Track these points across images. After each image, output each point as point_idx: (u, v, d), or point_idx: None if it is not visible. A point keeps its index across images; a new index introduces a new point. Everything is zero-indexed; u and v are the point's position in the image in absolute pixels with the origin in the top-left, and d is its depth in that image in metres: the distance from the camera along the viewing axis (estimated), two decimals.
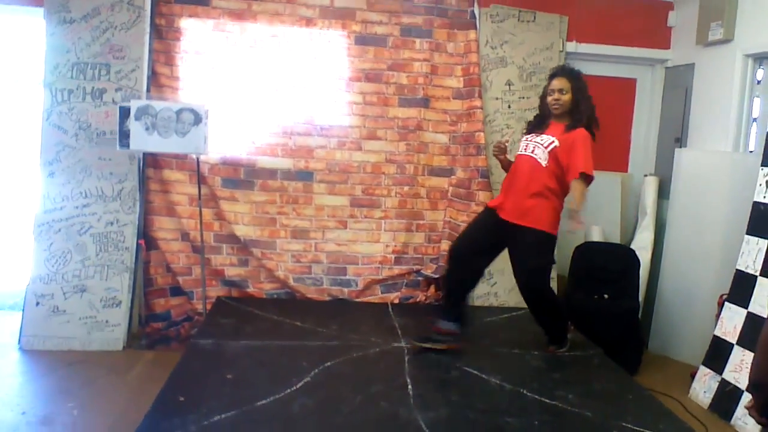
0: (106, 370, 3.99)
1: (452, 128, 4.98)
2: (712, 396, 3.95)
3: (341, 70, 4.86)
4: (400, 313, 4.54)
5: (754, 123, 4.66)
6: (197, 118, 4.24)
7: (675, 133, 5.22)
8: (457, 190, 4.96)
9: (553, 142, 3.63)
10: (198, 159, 4.47)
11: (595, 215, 5.29)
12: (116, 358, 4.21)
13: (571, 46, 5.17)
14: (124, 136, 4.24)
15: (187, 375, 3.34)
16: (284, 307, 4.52)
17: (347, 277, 4.85)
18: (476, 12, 4.94)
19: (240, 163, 4.75)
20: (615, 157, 5.50)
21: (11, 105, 7.55)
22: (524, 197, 3.65)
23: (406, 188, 4.92)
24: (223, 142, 4.70)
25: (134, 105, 4.21)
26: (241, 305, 4.50)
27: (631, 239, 5.23)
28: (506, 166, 3.91)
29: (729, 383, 3.84)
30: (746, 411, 1.91)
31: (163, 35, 4.65)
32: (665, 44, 5.34)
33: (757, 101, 4.65)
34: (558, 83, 3.74)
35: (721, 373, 3.93)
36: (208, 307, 4.50)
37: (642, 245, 5.05)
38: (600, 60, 5.34)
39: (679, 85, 5.23)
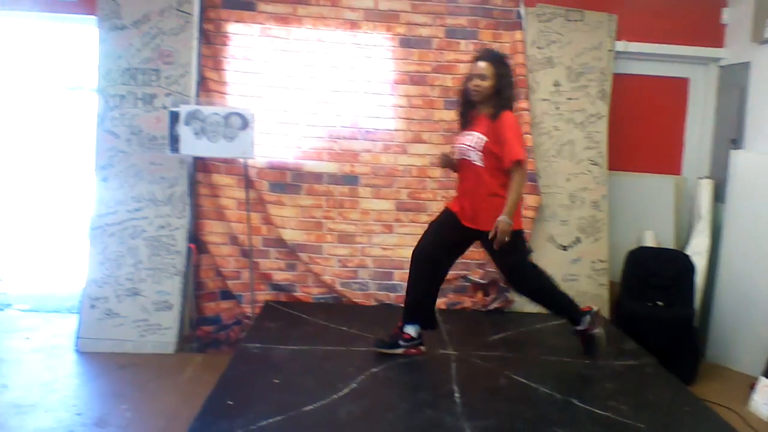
0: (157, 372, 4.07)
1: None
2: None
3: (386, 72, 4.85)
4: (447, 319, 4.49)
5: None
6: (244, 123, 4.28)
7: (730, 135, 5.04)
8: None
9: (481, 140, 3.49)
10: (245, 163, 4.51)
11: (648, 219, 5.18)
12: (168, 361, 4.28)
13: (621, 45, 5.05)
14: (174, 141, 4.32)
15: (236, 379, 3.37)
16: (331, 311, 4.54)
17: (393, 282, 4.83)
18: (522, 12, 4.87)
19: (287, 167, 4.78)
20: (668, 160, 5.35)
21: (68, 111, 7.78)
22: (476, 202, 3.55)
23: (452, 192, 4.84)
24: (270, 146, 4.74)
25: (184, 110, 4.28)
26: (289, 310, 4.52)
27: (686, 244, 5.09)
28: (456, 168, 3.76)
29: None
30: None
31: (211, 40, 4.71)
32: (719, 42, 5.18)
33: None
34: (479, 68, 3.52)
35: None
36: (257, 311, 4.54)
37: (697, 250, 4.90)
38: (651, 59, 5.21)
39: (734, 85, 5.06)
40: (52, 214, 7.62)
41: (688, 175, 5.35)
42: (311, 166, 4.80)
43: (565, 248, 4.90)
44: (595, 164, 4.93)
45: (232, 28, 4.74)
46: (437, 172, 4.85)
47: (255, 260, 4.66)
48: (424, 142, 4.87)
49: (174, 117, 4.31)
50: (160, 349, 4.42)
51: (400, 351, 3.74)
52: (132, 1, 4.56)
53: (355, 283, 4.81)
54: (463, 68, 4.80)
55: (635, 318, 4.40)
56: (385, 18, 4.82)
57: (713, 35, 5.19)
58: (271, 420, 2.88)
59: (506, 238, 3.38)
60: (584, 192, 4.92)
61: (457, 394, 3.27)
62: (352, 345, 3.90)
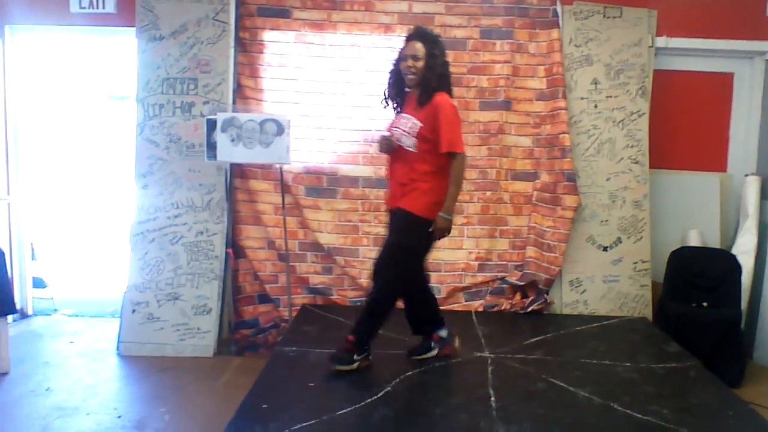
0: (196, 376, 4.13)
1: (536, 131, 4.85)
2: None
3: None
4: (484, 322, 4.45)
5: None
6: (280, 129, 4.32)
7: None
8: (542, 194, 4.83)
9: (415, 125, 3.33)
10: (281, 169, 4.55)
11: (692, 218, 5.03)
12: (207, 365, 4.34)
13: (662, 41, 4.92)
14: (212, 148, 4.39)
15: (271, 382, 3.40)
16: None
17: (430, 284, 4.79)
18: (559, 10, 4.80)
19: (322, 172, 4.80)
20: (712, 157, 5.19)
21: (113, 120, 7.99)
22: (404, 187, 3.40)
23: (488, 193, 4.83)
24: (306, 151, 4.78)
25: (220, 117, 4.34)
26: (325, 313, 4.54)
27: (732, 243, 4.93)
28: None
29: None
30: None
31: (247, 48, 4.77)
32: (764, 35, 4.99)
33: None
34: (411, 48, 3.35)
35: None
36: (294, 314, 4.56)
37: (744, 249, 4.74)
38: (693, 54, 5.06)
39: None
40: (96, 221, 7.83)
41: (734, 172, 5.18)
42: (347, 170, 4.81)
43: (605, 249, 4.81)
44: (636, 162, 4.82)
45: (267, 35, 4.79)
46: (473, 174, 4.81)
47: (292, 264, 4.69)
48: None
49: (211, 125, 4.38)
50: (200, 352, 4.49)
51: (434, 353, 3.72)
52: (170, 12, 4.65)
53: None
54: (499, 69, 4.80)
55: (679, 320, 4.28)
56: (419, 21, 4.78)
57: (758, 28, 5.02)
58: (304, 423, 2.89)
59: (446, 234, 3.33)
60: (625, 191, 4.82)
61: (492, 398, 3.24)
62: (387, 348, 3.87)
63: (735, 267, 4.47)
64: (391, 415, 3.03)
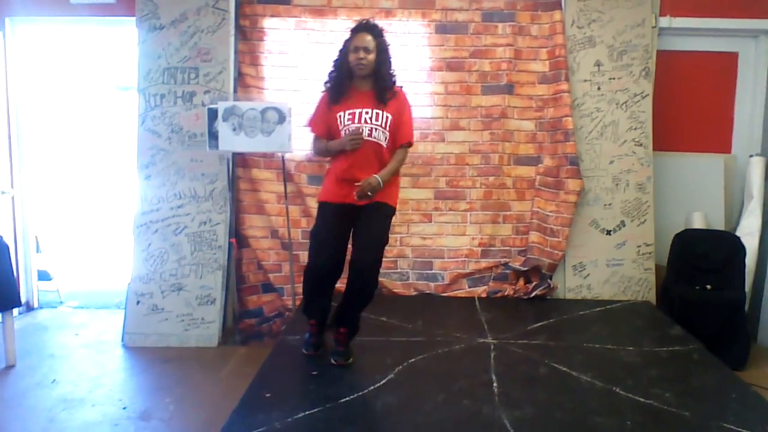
0: (201, 366, 4.15)
1: (538, 114, 4.82)
2: None
3: (422, 60, 4.80)
4: (488, 308, 4.45)
5: None
6: (281, 117, 4.31)
7: None
8: (545, 178, 4.81)
9: (388, 118, 3.34)
10: (283, 157, 4.54)
11: (696, 200, 5.01)
12: (211, 355, 4.36)
13: (665, 21, 4.87)
14: (213, 138, 4.38)
15: (275, 371, 3.42)
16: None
17: (433, 271, 4.81)
18: None
19: (324, 160, 4.78)
20: (717, 138, 5.15)
21: (117, 111, 8.00)
22: None
23: (491, 179, 4.81)
24: (308, 139, 4.74)
25: (221, 107, 4.33)
26: None
27: (737, 225, 4.90)
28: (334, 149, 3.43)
29: None
30: None
31: (248, 36, 4.75)
32: None
33: None
34: (362, 40, 3.31)
35: None
36: (298, 303, 4.57)
37: (748, 231, 4.72)
38: (697, 34, 5.00)
39: None
40: (100, 213, 7.87)
41: (738, 153, 5.14)
42: None
43: (609, 232, 4.79)
44: (639, 145, 4.78)
45: (267, 23, 4.77)
46: (475, 159, 4.80)
47: (295, 253, 4.69)
48: (462, 129, 4.81)
49: (212, 114, 4.37)
50: (204, 342, 4.51)
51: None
52: (169, 1, 4.63)
53: (395, 273, 4.80)
54: (501, 52, 4.76)
55: (683, 302, 4.28)
56: (420, 5, 4.77)
57: (762, 6, 4.95)
58: (308, 412, 2.91)
59: (369, 193, 3.28)
60: (628, 174, 4.79)
61: (495, 384, 3.25)
62: (391, 335, 3.90)
63: (739, 249, 4.45)
64: (394, 402, 3.04)
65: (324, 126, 3.46)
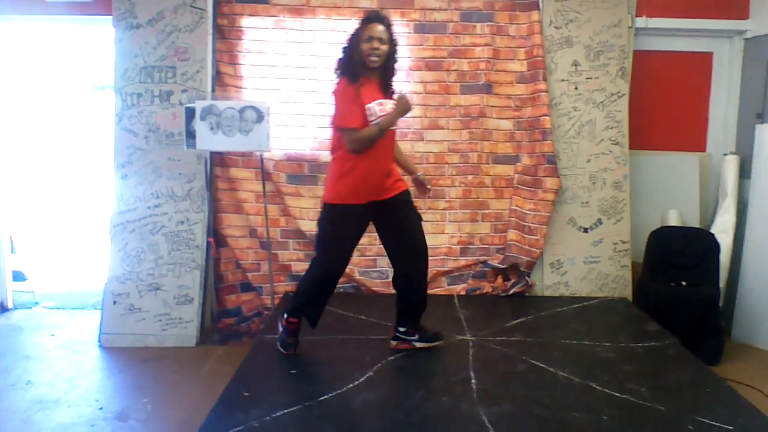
0: (179, 365, 4.12)
1: (517, 113, 4.85)
2: None
3: (401, 59, 4.78)
4: (467, 305, 4.47)
5: None
6: (259, 116, 4.29)
7: (756, 109, 4.90)
8: (524, 177, 4.84)
9: None
10: (261, 156, 4.53)
11: (672, 198, 5.08)
12: (189, 354, 4.34)
13: (641, 22, 4.93)
14: (191, 137, 4.35)
15: (253, 370, 3.40)
16: (349, 301, 4.53)
17: None
18: None
19: (304, 159, 4.78)
20: (692, 136, 5.23)
21: (93, 110, 7.92)
22: (391, 171, 3.45)
23: (470, 177, 4.83)
24: (286, 138, 4.75)
25: (199, 105, 4.30)
26: None
27: (711, 222, 4.98)
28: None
29: None
30: None
31: (226, 35, 4.73)
32: (743, 14, 5.02)
33: None
34: (376, 31, 3.21)
35: None
36: (276, 302, 4.56)
37: (722, 228, 4.79)
38: (673, 34, 5.08)
39: (759, 57, 4.91)
40: (76, 212, 7.78)
41: (713, 151, 5.22)
42: (328, 156, 4.76)
43: (586, 230, 4.83)
44: (616, 144, 4.83)
45: (245, 22, 4.75)
46: (454, 158, 4.82)
47: (274, 252, 4.68)
48: (441, 129, 4.82)
49: (190, 113, 4.34)
50: (182, 342, 4.48)
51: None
52: None
53: (374, 271, 4.81)
54: (479, 52, 4.79)
55: (658, 299, 4.32)
56: (398, 4, 4.78)
57: (737, 7, 5.04)
58: (286, 410, 2.90)
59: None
60: (605, 173, 4.83)
61: (473, 380, 3.26)
62: (370, 334, 3.90)
63: (714, 246, 4.51)
64: (373, 399, 3.05)
65: (361, 115, 3.23)
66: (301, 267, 4.77)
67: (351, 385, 3.17)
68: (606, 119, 4.84)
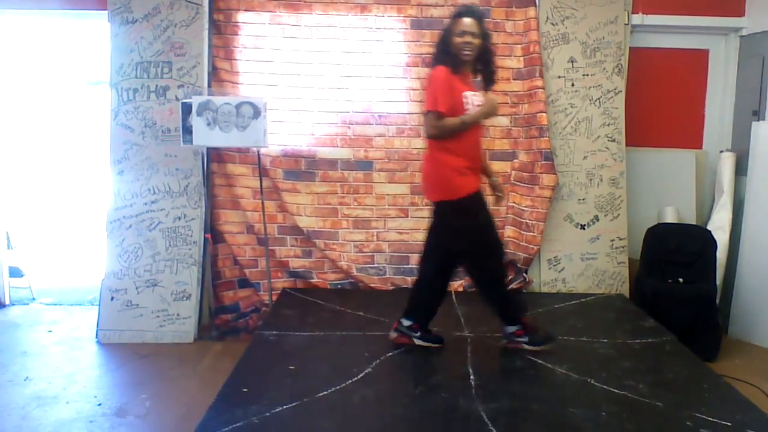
0: (177, 361, 4.12)
1: (513, 110, 4.85)
2: None
3: (397, 55, 4.80)
4: (464, 302, 4.47)
5: None
6: (256, 112, 4.28)
7: (752, 106, 4.93)
8: (520, 173, 4.85)
9: None
10: (258, 152, 4.52)
11: (668, 195, 5.09)
12: (187, 350, 4.33)
13: (637, 18, 4.94)
14: (188, 132, 4.34)
15: (252, 366, 3.41)
16: (347, 297, 4.54)
17: (410, 266, 4.81)
18: None
19: (300, 155, 4.78)
20: (688, 134, 5.25)
21: (89, 106, 7.90)
22: (482, 163, 3.59)
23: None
24: (283, 134, 4.75)
25: (195, 101, 4.29)
26: (306, 296, 4.54)
27: (708, 219, 5.00)
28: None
29: None
30: None
31: (222, 30, 4.72)
32: (739, 11, 5.03)
33: None
34: (468, 25, 3.26)
35: None
36: (274, 298, 4.56)
37: (719, 225, 4.81)
38: (669, 32, 5.10)
39: (755, 54, 4.93)
40: (72, 208, 7.76)
41: (709, 148, 5.24)
42: (325, 152, 4.79)
43: (583, 227, 4.84)
44: (612, 141, 4.84)
45: (242, 17, 4.74)
46: None
47: (271, 248, 4.68)
48: None
49: (186, 108, 4.33)
50: (180, 338, 4.47)
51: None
52: None
53: (372, 267, 4.81)
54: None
55: (655, 295, 4.33)
56: (395, 0, 4.77)
57: (733, 4, 5.05)
58: (285, 406, 2.90)
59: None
60: (602, 169, 4.85)
61: (472, 377, 3.26)
62: (368, 330, 3.90)
63: (710, 243, 4.52)
64: (371, 395, 3.05)
65: (451, 103, 3.26)
66: (298, 263, 4.79)
67: (350, 381, 3.18)
68: (602, 116, 4.84)
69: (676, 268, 4.54)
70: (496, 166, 4.85)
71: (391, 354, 3.54)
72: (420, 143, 4.80)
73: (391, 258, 4.83)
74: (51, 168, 8.13)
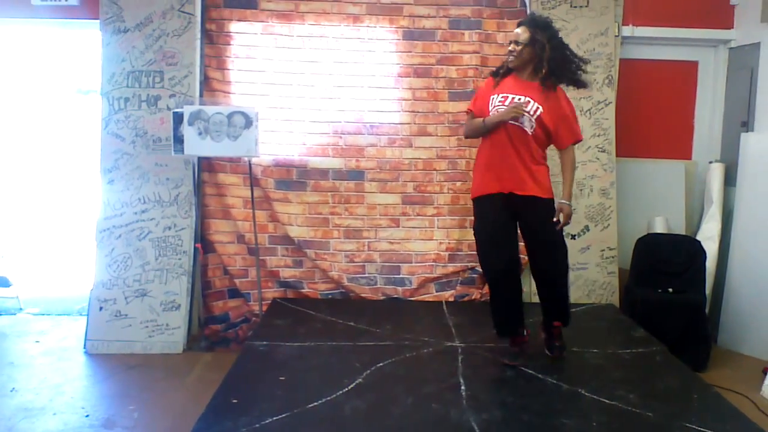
0: (166, 372, 4.09)
1: None
2: None
3: (390, 66, 4.82)
4: (455, 312, 4.47)
5: None
6: (248, 121, 4.28)
7: (741, 117, 4.97)
8: None
9: (537, 108, 3.39)
10: (249, 162, 4.52)
11: (658, 205, 5.12)
12: (176, 361, 4.31)
13: (628, 30, 4.98)
14: (179, 142, 4.33)
15: (242, 377, 3.38)
16: (338, 307, 4.53)
17: (401, 275, 4.81)
18: (526, 0, 4.81)
19: (292, 165, 4.77)
20: (678, 144, 5.28)
21: (79, 115, 7.87)
22: (522, 168, 3.43)
23: (458, 184, 4.84)
24: (275, 143, 4.74)
25: (187, 110, 4.29)
26: (296, 306, 4.52)
27: (697, 230, 5.02)
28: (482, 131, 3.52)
29: None
30: None
31: (214, 40, 4.72)
32: (728, 24, 5.08)
33: None
34: (514, 33, 3.47)
35: None
36: (264, 308, 4.54)
37: (708, 236, 4.83)
38: (659, 43, 5.14)
39: (744, 66, 4.97)
40: (61, 217, 7.71)
41: (698, 159, 5.28)
42: (316, 162, 4.79)
43: (573, 237, 4.85)
44: (603, 151, 4.86)
45: (234, 27, 4.74)
46: (443, 165, 4.82)
47: (262, 258, 4.67)
48: (430, 135, 4.83)
49: (178, 118, 4.32)
50: (169, 349, 4.45)
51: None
52: (134, 3, 4.57)
53: (363, 277, 4.80)
54: (468, 59, 4.80)
55: (645, 305, 4.35)
56: (387, 11, 4.79)
57: (722, 17, 5.10)
58: (275, 418, 2.88)
59: (569, 221, 3.45)
60: (592, 180, 4.86)
61: (463, 387, 3.26)
62: (359, 340, 3.89)
63: (699, 253, 4.54)
64: (362, 406, 3.04)
65: (479, 104, 3.55)
66: (289, 273, 4.77)
67: (340, 392, 3.16)
68: (593, 127, 4.87)
69: (666, 278, 4.56)
70: None
71: (382, 364, 3.52)
72: (412, 153, 4.82)
73: (382, 268, 4.82)
74: (40, 177, 8.08)
